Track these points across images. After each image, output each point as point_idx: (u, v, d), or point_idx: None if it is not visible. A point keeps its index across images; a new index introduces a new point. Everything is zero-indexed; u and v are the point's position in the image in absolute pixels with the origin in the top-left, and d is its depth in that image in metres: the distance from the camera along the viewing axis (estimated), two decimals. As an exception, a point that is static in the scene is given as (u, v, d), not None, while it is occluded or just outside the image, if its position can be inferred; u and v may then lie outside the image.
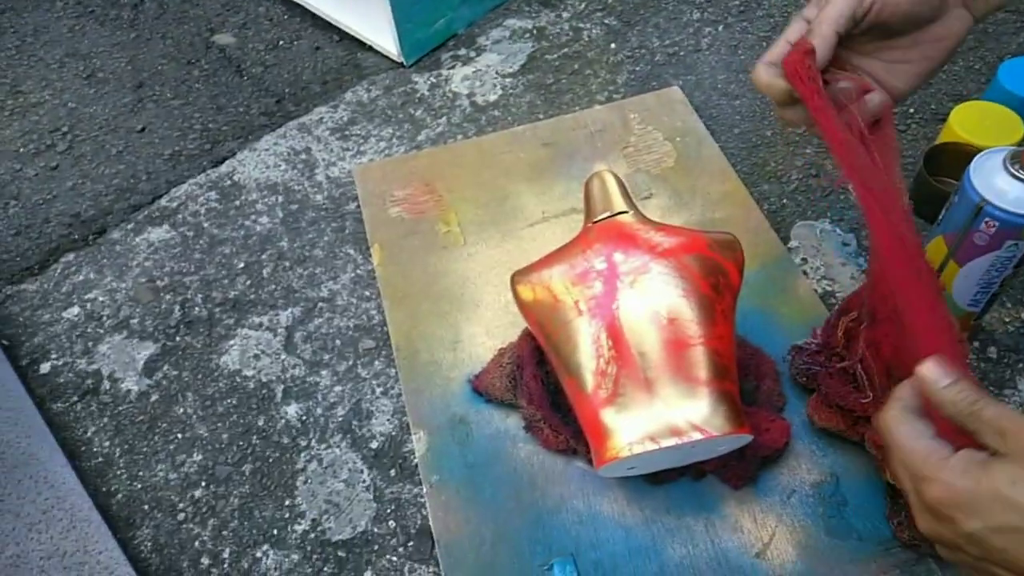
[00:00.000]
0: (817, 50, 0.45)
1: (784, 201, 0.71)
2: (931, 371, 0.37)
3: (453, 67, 0.88)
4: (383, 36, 0.88)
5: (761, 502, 0.52)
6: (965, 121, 0.69)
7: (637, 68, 0.85)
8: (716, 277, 0.50)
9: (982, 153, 0.53)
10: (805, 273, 0.65)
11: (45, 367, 0.65)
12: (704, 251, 0.51)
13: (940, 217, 0.55)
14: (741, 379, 0.53)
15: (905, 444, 0.37)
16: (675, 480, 0.54)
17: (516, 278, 0.55)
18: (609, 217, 0.54)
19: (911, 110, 0.78)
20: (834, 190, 0.72)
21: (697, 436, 0.46)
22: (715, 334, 0.49)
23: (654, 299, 0.49)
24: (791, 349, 0.57)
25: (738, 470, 0.53)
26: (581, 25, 0.91)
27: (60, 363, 0.66)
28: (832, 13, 0.46)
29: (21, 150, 0.84)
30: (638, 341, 0.49)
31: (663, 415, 0.47)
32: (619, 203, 0.55)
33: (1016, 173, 0.49)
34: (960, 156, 0.67)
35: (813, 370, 0.55)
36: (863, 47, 0.49)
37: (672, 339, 0.49)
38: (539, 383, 0.56)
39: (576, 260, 0.52)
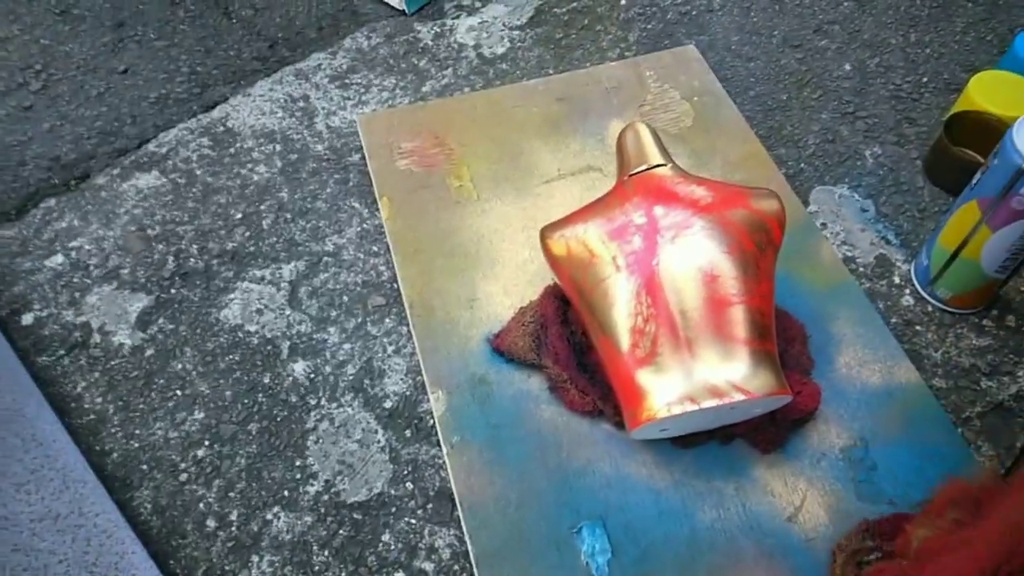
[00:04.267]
0: None
1: (802, 166, 0.70)
2: None
3: (458, 17, 0.84)
4: (384, -19, 0.84)
5: (791, 466, 0.52)
6: (984, 90, 0.68)
7: (649, 26, 0.83)
8: (760, 234, 0.49)
9: (1025, 116, 0.52)
10: (825, 238, 0.64)
11: (27, 318, 0.61)
12: (747, 206, 0.49)
13: (974, 182, 0.55)
14: (772, 342, 0.52)
15: None
16: (703, 444, 0.53)
17: (546, 232, 0.53)
18: (646, 170, 0.52)
19: (924, 79, 0.77)
20: (851, 156, 0.71)
21: (739, 397, 0.45)
22: (758, 292, 0.48)
23: (696, 255, 0.48)
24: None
25: (768, 434, 0.52)
26: (589, -21, 0.88)
27: (44, 314, 0.61)
28: None
29: (-10, 88, 0.78)
30: (678, 299, 0.47)
31: (702, 375, 0.46)
32: (655, 155, 0.53)
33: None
34: (980, 125, 0.67)
35: None
36: None
37: (713, 297, 0.47)
38: (565, 343, 0.54)
39: (613, 214, 0.50)
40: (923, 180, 0.69)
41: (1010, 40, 0.79)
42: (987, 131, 0.66)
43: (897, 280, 0.63)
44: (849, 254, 0.64)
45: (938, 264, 0.59)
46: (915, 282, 0.62)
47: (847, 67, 0.78)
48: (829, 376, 0.55)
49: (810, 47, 0.81)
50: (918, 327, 0.60)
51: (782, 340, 0.55)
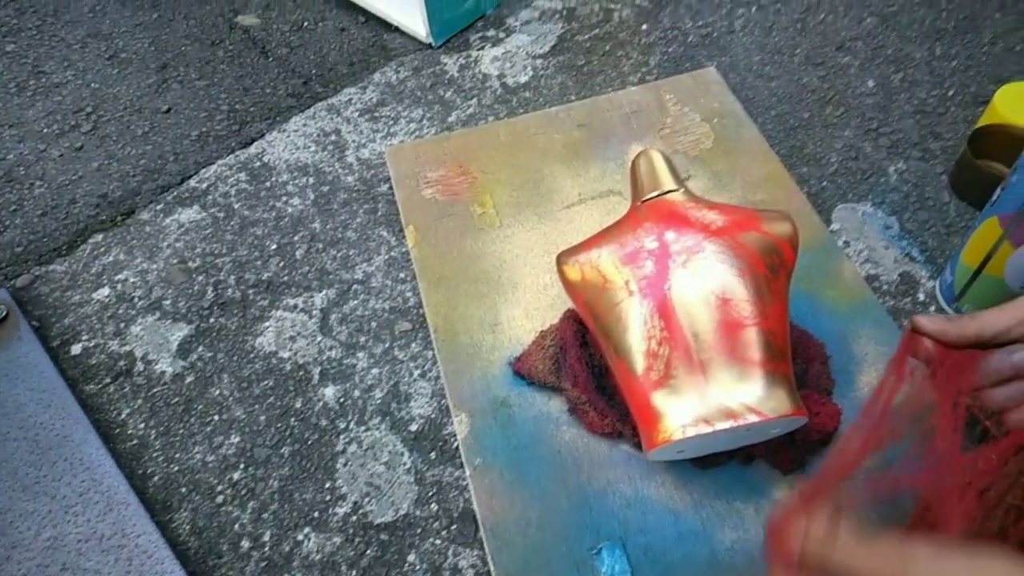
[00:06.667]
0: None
1: (824, 184, 0.70)
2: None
3: (482, 48, 0.87)
4: (411, 17, 0.87)
5: (812, 486, 0.52)
6: (1010, 103, 0.68)
7: (670, 49, 0.84)
8: (771, 256, 0.49)
9: (1043, 131, 0.51)
10: (848, 256, 0.64)
11: (76, 348, 0.65)
12: (759, 229, 0.50)
13: (994, 198, 0.54)
14: (791, 362, 0.52)
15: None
16: (723, 464, 0.53)
17: (562, 258, 0.54)
18: (659, 196, 0.53)
19: (950, 92, 0.77)
20: (874, 172, 0.71)
21: (753, 419, 0.45)
22: (770, 314, 0.48)
23: (708, 279, 0.48)
24: None
25: (788, 455, 0.52)
26: (611, 6, 0.90)
27: (92, 344, 0.65)
28: (976, 323, 0.42)
29: (45, 130, 0.83)
30: (691, 322, 0.48)
31: (717, 397, 0.46)
32: (668, 181, 0.54)
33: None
34: (1005, 138, 0.66)
35: None
36: None
37: (726, 320, 0.48)
38: (584, 366, 0.55)
39: (626, 239, 0.51)
40: (949, 195, 0.68)
41: (1040, 50, 0.78)
42: (1013, 144, 0.65)
43: (922, 297, 0.62)
44: (873, 272, 0.64)
45: (962, 281, 0.58)
46: (940, 299, 0.62)
47: (870, 83, 0.78)
48: (850, 396, 0.55)
49: (833, 64, 0.81)
50: (944, 345, 0.59)
51: (801, 360, 0.56)
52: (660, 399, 0.47)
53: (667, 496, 0.52)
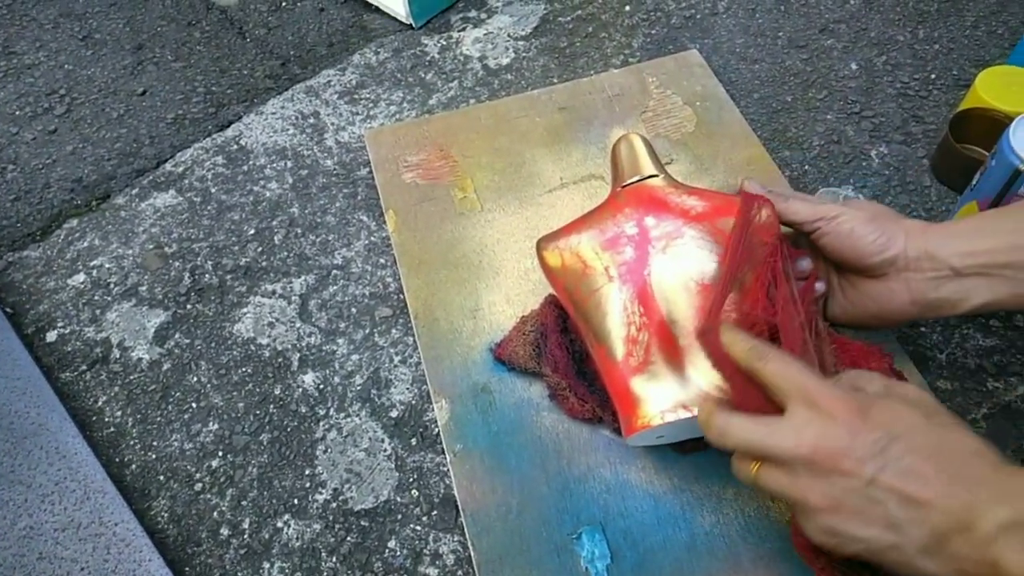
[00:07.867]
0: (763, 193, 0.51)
1: (806, 167, 0.70)
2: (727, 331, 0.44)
3: (464, 29, 0.86)
4: (391, -3, 0.85)
5: (790, 470, 0.52)
6: (991, 86, 0.68)
7: (653, 31, 0.83)
8: (751, 242, 0.49)
9: (1022, 116, 0.52)
10: (829, 240, 0.64)
11: (52, 336, 0.64)
12: (739, 215, 0.49)
13: (974, 182, 0.54)
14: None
15: (796, 373, 0.40)
16: (703, 450, 0.53)
17: (542, 244, 0.54)
18: (639, 181, 0.53)
19: (933, 76, 0.76)
20: (856, 156, 0.71)
21: (731, 404, 0.45)
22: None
23: (687, 264, 0.48)
24: None
25: (767, 438, 0.52)
26: (594, -13, 0.89)
27: (67, 331, 0.64)
28: (788, 205, 0.51)
29: (17, 113, 0.82)
30: (670, 308, 0.48)
31: (696, 383, 0.46)
32: (648, 167, 0.54)
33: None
34: (987, 122, 0.66)
35: None
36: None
37: (704, 305, 0.47)
38: (564, 351, 0.55)
39: (606, 225, 0.51)
40: (930, 179, 0.68)
41: (1021, 33, 0.78)
42: (994, 128, 0.65)
43: (902, 281, 0.62)
44: (853, 256, 0.64)
45: (941, 265, 0.58)
46: (920, 283, 0.62)
47: (853, 66, 0.78)
48: (830, 380, 0.55)
49: (816, 47, 0.80)
50: (923, 328, 0.60)
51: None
52: (639, 385, 0.47)
53: (647, 481, 0.52)
